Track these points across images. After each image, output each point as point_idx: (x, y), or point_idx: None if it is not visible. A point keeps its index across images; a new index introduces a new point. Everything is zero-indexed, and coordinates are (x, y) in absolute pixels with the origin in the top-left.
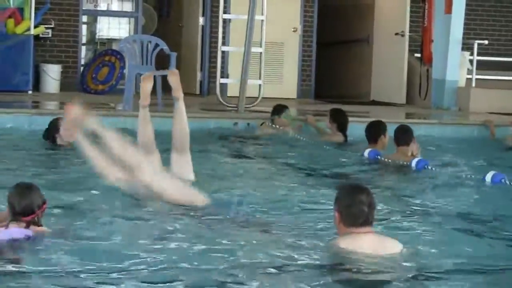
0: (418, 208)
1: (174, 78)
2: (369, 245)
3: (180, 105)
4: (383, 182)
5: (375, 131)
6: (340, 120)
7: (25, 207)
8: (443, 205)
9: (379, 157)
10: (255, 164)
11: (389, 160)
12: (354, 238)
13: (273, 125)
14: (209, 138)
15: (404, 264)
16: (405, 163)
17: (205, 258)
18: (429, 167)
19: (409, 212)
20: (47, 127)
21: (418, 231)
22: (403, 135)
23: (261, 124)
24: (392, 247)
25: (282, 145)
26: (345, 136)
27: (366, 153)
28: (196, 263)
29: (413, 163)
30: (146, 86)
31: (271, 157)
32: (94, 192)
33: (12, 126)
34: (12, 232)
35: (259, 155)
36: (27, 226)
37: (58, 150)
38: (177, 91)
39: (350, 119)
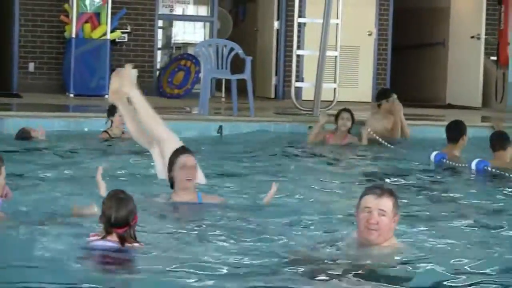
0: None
1: (125, 73)
2: None
3: (135, 101)
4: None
5: (456, 131)
6: None
7: (120, 219)
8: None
9: (444, 160)
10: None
11: (452, 163)
12: None
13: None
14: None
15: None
16: (465, 165)
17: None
18: (489, 168)
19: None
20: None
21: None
22: (498, 140)
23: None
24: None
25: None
26: None
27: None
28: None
29: (473, 165)
30: (113, 84)
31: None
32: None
33: (89, 130)
34: (108, 246)
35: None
36: (121, 243)
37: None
38: (125, 88)
39: (426, 122)
